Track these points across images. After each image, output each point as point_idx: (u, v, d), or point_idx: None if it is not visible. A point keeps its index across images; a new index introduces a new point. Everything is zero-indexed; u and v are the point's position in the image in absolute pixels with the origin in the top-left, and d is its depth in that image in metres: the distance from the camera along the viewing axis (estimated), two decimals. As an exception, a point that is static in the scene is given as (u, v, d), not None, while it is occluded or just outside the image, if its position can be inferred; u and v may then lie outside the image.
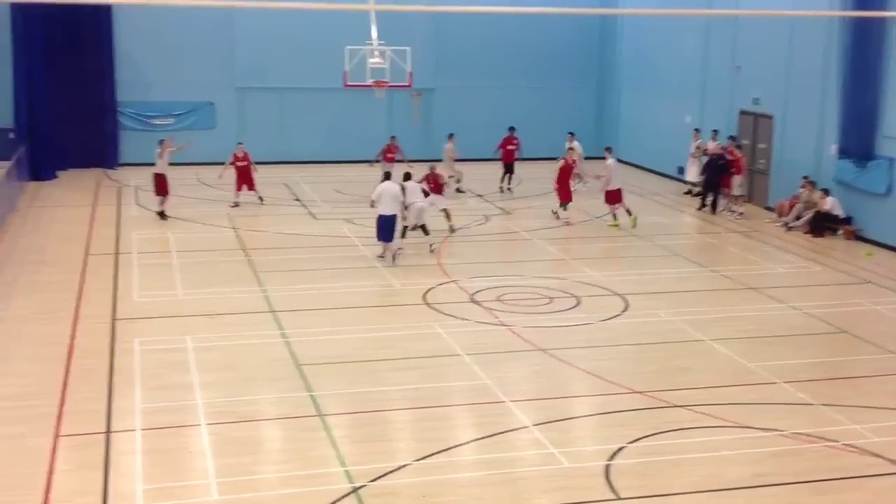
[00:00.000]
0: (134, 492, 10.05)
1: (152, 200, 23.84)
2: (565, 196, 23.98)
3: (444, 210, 22.14)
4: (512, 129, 28.24)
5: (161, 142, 23.88)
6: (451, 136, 27.57)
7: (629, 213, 23.60)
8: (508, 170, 28.04)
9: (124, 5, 28.92)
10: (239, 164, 24.74)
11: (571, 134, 28.06)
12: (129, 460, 10.75)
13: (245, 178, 24.82)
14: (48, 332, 15.03)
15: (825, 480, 10.61)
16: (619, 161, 26.23)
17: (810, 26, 24.13)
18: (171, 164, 23.66)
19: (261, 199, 25.01)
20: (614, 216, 23.74)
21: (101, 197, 26.23)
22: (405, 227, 20.46)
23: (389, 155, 26.66)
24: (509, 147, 27.97)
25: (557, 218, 23.99)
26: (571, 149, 25.93)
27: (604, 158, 24.35)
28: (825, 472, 10.81)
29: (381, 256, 19.71)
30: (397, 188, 19.55)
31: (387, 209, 19.36)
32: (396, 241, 19.92)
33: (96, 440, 11.21)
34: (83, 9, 28.29)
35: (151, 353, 14.17)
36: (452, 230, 22.19)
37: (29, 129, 28.51)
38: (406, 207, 20.31)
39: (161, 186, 23.34)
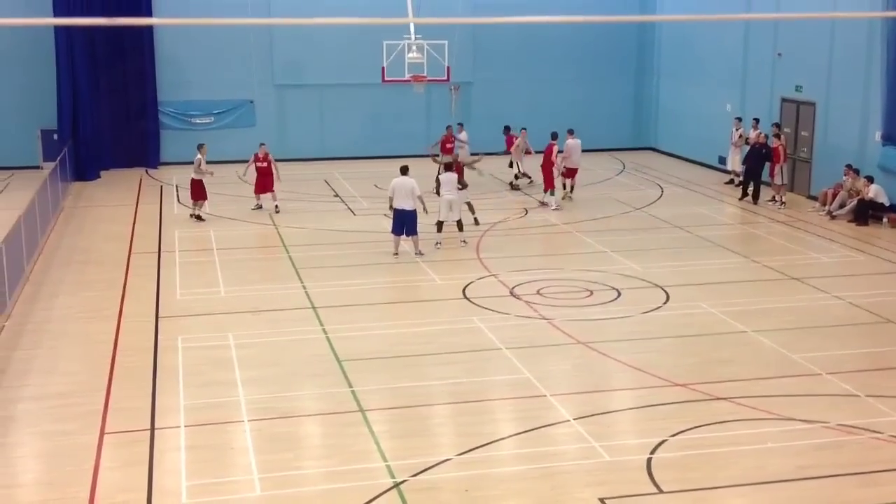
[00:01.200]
0: (178, 488, 10.18)
1: (189, 203, 23.91)
2: (549, 184, 24.58)
3: (468, 203, 22.09)
4: (455, 126, 27.26)
5: (200, 147, 23.71)
6: (523, 129, 27.20)
7: (571, 189, 25.56)
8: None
9: (166, 5, 29.21)
10: (259, 164, 24.12)
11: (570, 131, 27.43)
12: (173, 457, 10.89)
13: (264, 180, 24.07)
14: (93, 331, 15.26)
15: (870, 472, 10.49)
16: (659, 151, 26.06)
17: (852, 10, 23.80)
18: (208, 161, 23.56)
19: (276, 207, 24.06)
20: (571, 187, 25.69)
21: (143, 196, 26.54)
22: (440, 222, 20.49)
23: (448, 145, 26.46)
24: (448, 145, 26.59)
25: (543, 204, 24.65)
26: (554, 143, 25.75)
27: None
28: (870, 464, 10.69)
29: (396, 254, 19.63)
30: (412, 182, 19.46)
31: (403, 203, 19.37)
32: (436, 235, 19.98)
33: (141, 437, 11.37)
34: (125, 12, 28.51)
35: (194, 350, 14.33)
36: (476, 223, 22.16)
37: (72, 131, 28.95)
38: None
39: (198, 191, 23.31)
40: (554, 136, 25.03)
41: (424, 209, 19.64)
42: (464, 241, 20.70)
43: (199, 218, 23.25)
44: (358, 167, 30.65)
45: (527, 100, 32.78)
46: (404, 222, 19.45)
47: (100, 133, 29.80)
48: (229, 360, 13.89)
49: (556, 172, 24.77)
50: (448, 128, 27.12)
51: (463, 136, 27.12)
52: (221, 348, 14.39)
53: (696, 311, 16.19)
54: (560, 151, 24.91)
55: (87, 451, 10.99)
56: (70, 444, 11.23)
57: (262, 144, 24.76)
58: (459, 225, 20.80)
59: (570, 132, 25.79)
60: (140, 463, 10.70)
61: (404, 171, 19.72)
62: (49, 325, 15.60)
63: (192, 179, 23.32)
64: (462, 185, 21.59)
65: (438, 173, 22.48)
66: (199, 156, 23.38)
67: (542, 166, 24.85)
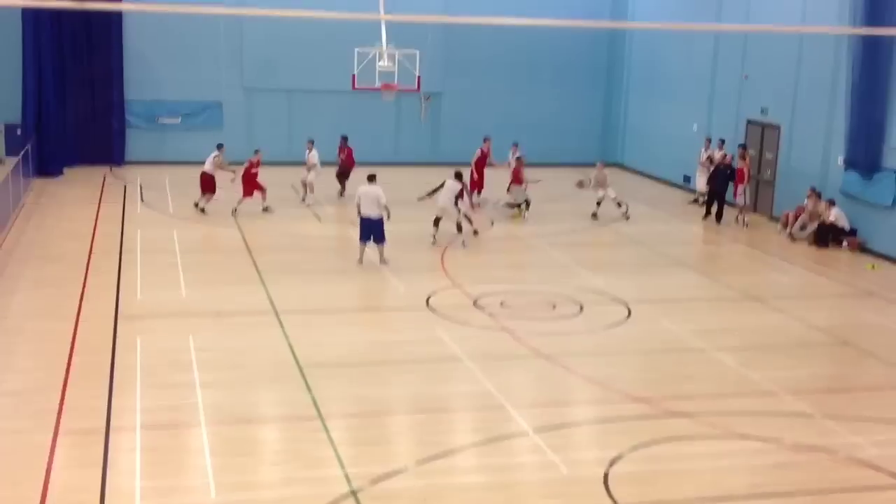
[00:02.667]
0: (132, 489, 10.05)
1: (194, 196, 24.39)
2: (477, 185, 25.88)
3: (466, 215, 22.14)
4: (344, 137, 27.28)
5: (220, 146, 24.64)
6: (515, 144, 27.22)
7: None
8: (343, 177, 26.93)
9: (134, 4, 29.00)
10: (254, 170, 24.21)
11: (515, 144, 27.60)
12: (129, 458, 10.76)
13: (254, 186, 24.24)
14: (51, 329, 15.06)
15: (825, 492, 10.58)
16: (625, 167, 26.34)
17: (819, 37, 24.13)
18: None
19: (267, 207, 24.43)
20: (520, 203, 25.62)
21: (106, 194, 26.29)
22: (437, 218, 21.38)
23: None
24: (342, 156, 26.89)
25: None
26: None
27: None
28: (825, 483, 10.79)
29: (360, 261, 19.54)
30: (378, 190, 19.44)
31: (370, 211, 19.35)
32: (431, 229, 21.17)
33: (96, 438, 11.21)
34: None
35: (153, 351, 14.19)
36: (475, 233, 22.37)
37: (36, 126, 28.63)
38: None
39: (208, 185, 24.02)
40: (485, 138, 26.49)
41: (388, 216, 19.58)
42: (463, 243, 21.42)
43: (202, 210, 23.85)
44: (325, 173, 30.46)
45: (497, 111, 32.90)
46: (371, 230, 19.41)
47: (64, 129, 29.49)
48: (188, 363, 13.76)
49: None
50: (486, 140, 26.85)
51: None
52: (181, 350, 14.25)
53: (658, 327, 16.30)
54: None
55: (41, 450, 10.82)
56: (23, 442, 11.06)
57: (258, 151, 24.69)
58: (458, 227, 21.26)
59: (515, 146, 26.84)
60: (94, 464, 10.55)
61: (371, 178, 19.71)
62: (5, 322, 15.38)
63: (205, 173, 24.04)
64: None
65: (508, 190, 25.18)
66: (218, 153, 24.28)
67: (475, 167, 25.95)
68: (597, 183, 25.60)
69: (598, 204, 25.42)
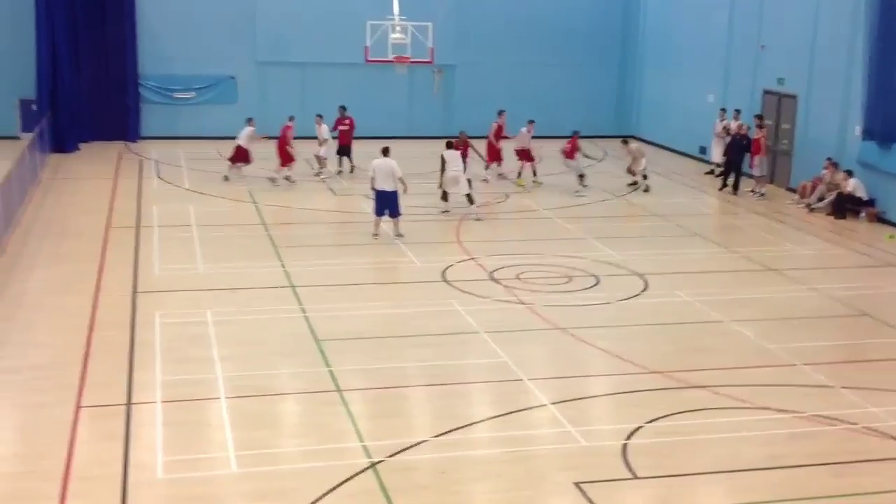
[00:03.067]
0: (154, 463, 10.15)
1: (210, 170, 25.13)
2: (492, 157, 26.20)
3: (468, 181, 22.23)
4: (343, 108, 26.86)
5: (249, 120, 25.20)
6: (531, 122, 26.96)
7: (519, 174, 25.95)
8: (344, 152, 26.61)
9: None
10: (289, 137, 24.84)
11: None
12: (150, 432, 10.85)
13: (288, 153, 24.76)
14: (70, 304, 15.15)
15: (843, 463, 10.60)
16: (640, 139, 26.45)
17: (836, 5, 23.91)
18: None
19: (288, 178, 24.79)
20: (519, 173, 26.01)
21: (122, 170, 26.34)
22: (445, 192, 21.56)
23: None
24: (341, 128, 26.52)
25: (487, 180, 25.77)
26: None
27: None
28: (843, 454, 10.80)
29: (376, 235, 19.58)
30: (393, 163, 19.38)
31: (384, 185, 19.32)
32: (472, 208, 21.35)
33: (117, 412, 11.32)
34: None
35: (172, 326, 14.27)
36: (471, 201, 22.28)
37: (51, 102, 28.65)
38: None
39: (242, 156, 24.78)
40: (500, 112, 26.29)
41: (405, 189, 19.60)
42: (477, 218, 21.36)
43: (226, 178, 24.70)
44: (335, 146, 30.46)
45: (510, 84, 32.73)
46: (386, 203, 19.41)
47: (79, 105, 29.51)
48: (207, 337, 13.83)
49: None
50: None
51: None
52: (199, 325, 14.33)
53: (674, 299, 16.27)
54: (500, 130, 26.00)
55: (63, 424, 10.93)
56: (45, 417, 11.16)
57: (292, 118, 25.41)
58: (470, 199, 21.30)
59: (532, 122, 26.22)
60: (116, 437, 10.65)
61: (385, 152, 19.69)
62: (25, 298, 15.47)
63: (240, 147, 24.69)
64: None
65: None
66: (250, 127, 24.89)
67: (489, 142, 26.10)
68: (638, 155, 25.51)
69: (645, 177, 25.38)
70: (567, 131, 29.19)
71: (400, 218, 19.56)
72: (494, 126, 26.26)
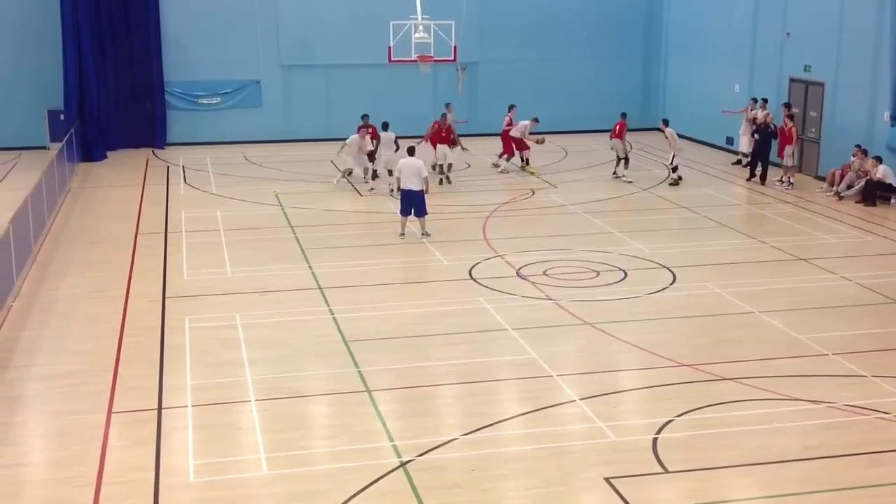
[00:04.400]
0: (185, 467, 10.23)
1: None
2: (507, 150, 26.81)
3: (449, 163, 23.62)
4: (366, 116, 25.78)
5: (364, 117, 25.36)
6: (535, 119, 27.01)
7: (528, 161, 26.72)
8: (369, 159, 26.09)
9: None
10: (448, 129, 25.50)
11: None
12: (181, 436, 10.94)
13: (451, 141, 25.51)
14: (101, 311, 15.29)
15: (877, 452, 10.49)
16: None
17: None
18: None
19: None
20: (527, 160, 26.79)
21: (149, 176, 26.54)
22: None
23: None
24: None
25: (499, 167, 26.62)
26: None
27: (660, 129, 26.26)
28: (878, 443, 10.69)
29: (402, 235, 19.61)
30: (419, 163, 19.44)
31: (410, 184, 19.34)
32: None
33: (149, 416, 11.42)
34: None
35: (201, 330, 14.37)
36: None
37: (79, 111, 28.92)
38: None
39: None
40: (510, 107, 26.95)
41: (426, 189, 19.53)
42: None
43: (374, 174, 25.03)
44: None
45: (534, 80, 32.67)
46: (412, 203, 19.43)
47: (106, 113, 29.78)
48: (236, 341, 13.92)
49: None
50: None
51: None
52: (228, 328, 14.41)
53: (703, 291, 16.17)
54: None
55: (95, 430, 11.04)
56: (78, 423, 11.27)
57: (448, 104, 27.10)
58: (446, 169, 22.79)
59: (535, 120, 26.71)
60: (148, 442, 10.75)
61: (411, 151, 19.72)
62: (56, 306, 15.64)
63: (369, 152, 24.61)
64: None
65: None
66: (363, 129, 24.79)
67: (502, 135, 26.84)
68: (672, 141, 25.34)
69: (676, 168, 25.23)
70: (593, 125, 29.20)
71: (426, 217, 19.57)
72: (507, 119, 26.61)
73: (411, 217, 19.57)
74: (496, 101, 30.24)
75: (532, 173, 26.07)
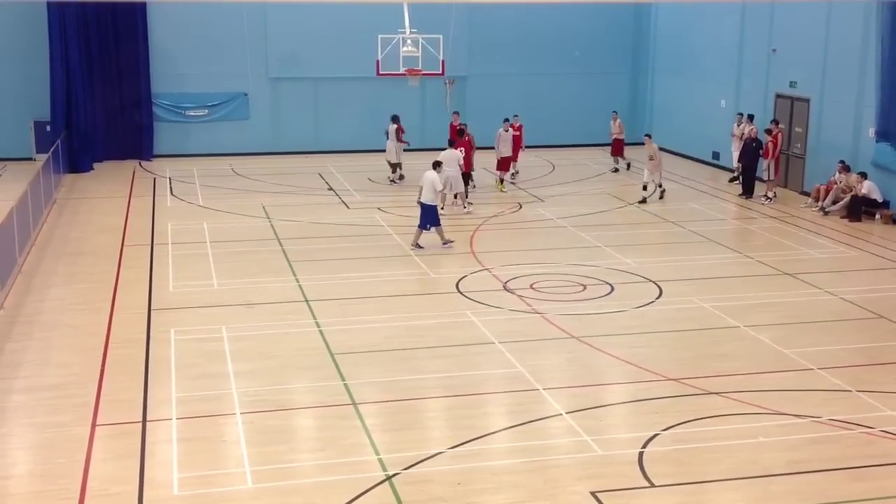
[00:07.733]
0: (169, 480, 10.16)
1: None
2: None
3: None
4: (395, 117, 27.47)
5: (395, 117, 26.70)
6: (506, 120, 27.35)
7: (502, 181, 26.51)
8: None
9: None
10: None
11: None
12: (165, 449, 10.87)
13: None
14: (86, 323, 15.22)
15: (863, 467, 10.51)
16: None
17: (848, 7, 23.83)
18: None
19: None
20: (501, 180, 26.53)
21: (136, 188, 26.48)
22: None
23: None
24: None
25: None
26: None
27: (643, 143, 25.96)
28: (863, 458, 10.72)
29: (418, 245, 19.71)
30: (435, 176, 19.86)
31: (425, 197, 19.66)
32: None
33: (133, 429, 11.35)
34: (118, 3, 28.55)
35: (187, 342, 14.30)
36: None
37: (66, 122, 28.83)
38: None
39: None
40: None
41: (442, 204, 19.88)
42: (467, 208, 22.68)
43: (400, 178, 26.64)
44: (352, 160, 30.61)
45: (522, 94, 32.76)
46: (425, 216, 19.66)
47: (93, 125, 29.73)
48: (222, 353, 13.86)
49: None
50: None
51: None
52: (214, 341, 14.36)
53: (689, 306, 16.21)
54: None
55: (79, 442, 10.97)
56: (62, 435, 11.20)
57: (516, 116, 27.53)
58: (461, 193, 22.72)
59: (507, 121, 27.10)
60: (132, 455, 10.68)
61: (436, 165, 20.43)
62: (41, 317, 15.55)
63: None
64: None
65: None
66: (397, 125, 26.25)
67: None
68: (655, 156, 25.00)
69: (660, 185, 25.19)
70: (581, 140, 29.36)
71: (440, 227, 19.79)
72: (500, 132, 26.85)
73: (428, 230, 19.76)
74: (484, 115, 30.30)
75: (501, 190, 26.17)
